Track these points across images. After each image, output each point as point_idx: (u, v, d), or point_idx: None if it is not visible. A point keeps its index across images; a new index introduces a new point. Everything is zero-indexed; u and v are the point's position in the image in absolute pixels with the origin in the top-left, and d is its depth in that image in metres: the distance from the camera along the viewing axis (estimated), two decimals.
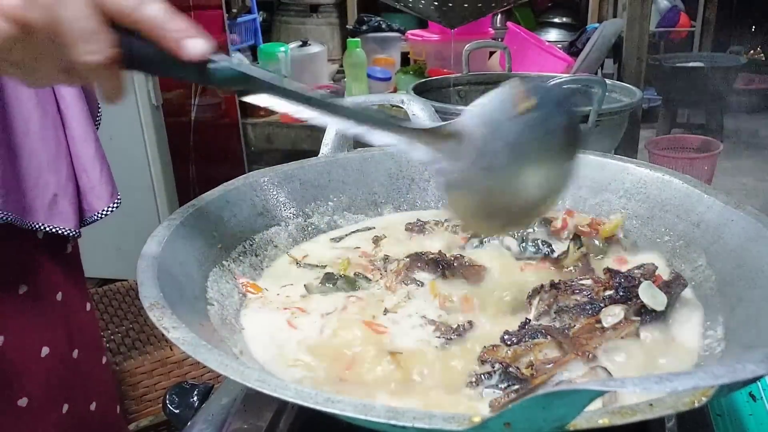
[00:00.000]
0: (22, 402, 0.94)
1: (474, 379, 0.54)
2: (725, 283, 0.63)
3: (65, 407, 1.00)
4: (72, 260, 1.04)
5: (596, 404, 0.38)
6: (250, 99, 0.54)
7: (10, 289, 0.92)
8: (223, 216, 0.73)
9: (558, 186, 0.59)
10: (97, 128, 1.01)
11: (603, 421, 0.38)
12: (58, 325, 0.99)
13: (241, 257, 0.73)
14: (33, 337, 0.95)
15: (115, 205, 1.00)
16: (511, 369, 0.54)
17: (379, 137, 0.55)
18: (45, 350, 0.96)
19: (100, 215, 0.99)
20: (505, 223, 0.62)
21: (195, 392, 0.72)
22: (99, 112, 1.03)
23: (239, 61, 0.51)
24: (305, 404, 0.40)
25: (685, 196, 0.75)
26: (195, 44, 0.50)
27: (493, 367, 0.55)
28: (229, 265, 0.70)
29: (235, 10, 3.22)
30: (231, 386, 0.69)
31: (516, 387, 0.52)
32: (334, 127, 0.55)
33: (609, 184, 0.83)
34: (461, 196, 0.57)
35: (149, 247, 0.60)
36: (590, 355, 0.55)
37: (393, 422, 0.38)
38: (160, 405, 0.77)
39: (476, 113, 0.55)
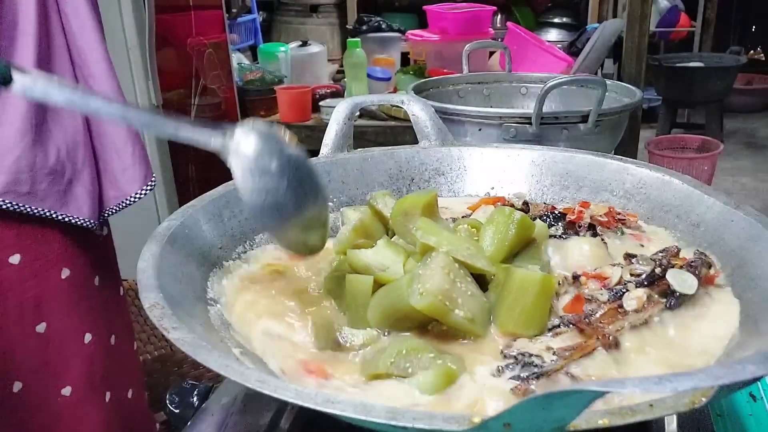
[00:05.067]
0: (66, 391, 0.92)
1: (497, 370, 0.55)
2: (725, 284, 0.63)
3: (108, 395, 0.99)
4: (107, 244, 1.01)
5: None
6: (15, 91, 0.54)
7: (54, 272, 0.89)
8: (224, 216, 0.73)
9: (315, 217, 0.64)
10: None
11: (603, 422, 0.38)
12: (98, 311, 0.97)
13: (241, 258, 0.73)
14: (76, 324, 0.93)
15: (149, 187, 0.94)
16: (531, 359, 0.54)
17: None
18: (88, 336, 0.94)
19: (133, 199, 0.93)
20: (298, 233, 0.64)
21: (195, 392, 0.72)
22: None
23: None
24: (305, 404, 0.40)
25: (685, 197, 0.75)
26: None
27: (515, 358, 0.55)
28: (229, 265, 0.70)
29: (235, 10, 3.22)
30: (231, 386, 0.69)
31: (536, 375, 0.53)
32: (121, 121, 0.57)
33: (609, 184, 0.83)
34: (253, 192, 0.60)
35: (149, 247, 0.60)
36: (611, 338, 0.55)
37: (393, 422, 0.38)
38: (160, 405, 0.77)
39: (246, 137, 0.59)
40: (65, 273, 0.90)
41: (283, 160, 0.60)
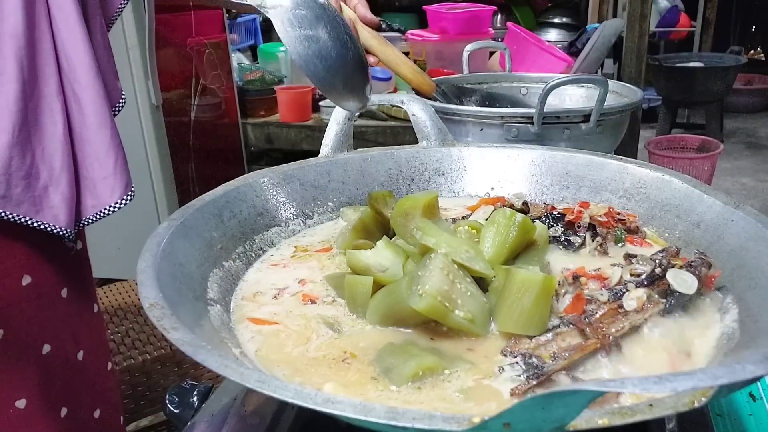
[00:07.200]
0: (20, 403, 0.90)
1: (498, 370, 0.55)
2: (725, 284, 0.63)
3: (64, 411, 0.96)
4: (80, 258, 0.98)
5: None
6: None
7: (13, 280, 0.87)
8: (223, 216, 0.73)
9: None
10: (116, 114, 0.94)
11: (603, 422, 0.38)
12: (62, 323, 0.94)
13: (241, 258, 0.73)
14: (35, 333, 0.91)
15: (129, 197, 0.92)
16: (532, 359, 0.54)
17: None
18: (46, 347, 0.92)
19: (111, 209, 0.90)
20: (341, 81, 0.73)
21: (195, 392, 0.72)
22: (123, 98, 0.96)
23: None
24: (304, 405, 0.40)
25: (685, 197, 0.75)
26: None
27: (516, 359, 0.55)
28: (229, 265, 0.70)
29: (234, 10, 3.22)
30: (231, 386, 0.69)
31: (536, 375, 0.53)
32: None
33: (609, 184, 0.83)
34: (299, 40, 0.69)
35: (149, 247, 0.60)
36: (612, 339, 0.55)
37: (393, 423, 0.38)
38: (160, 405, 0.77)
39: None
40: (26, 280, 0.88)
41: (319, 10, 0.69)
